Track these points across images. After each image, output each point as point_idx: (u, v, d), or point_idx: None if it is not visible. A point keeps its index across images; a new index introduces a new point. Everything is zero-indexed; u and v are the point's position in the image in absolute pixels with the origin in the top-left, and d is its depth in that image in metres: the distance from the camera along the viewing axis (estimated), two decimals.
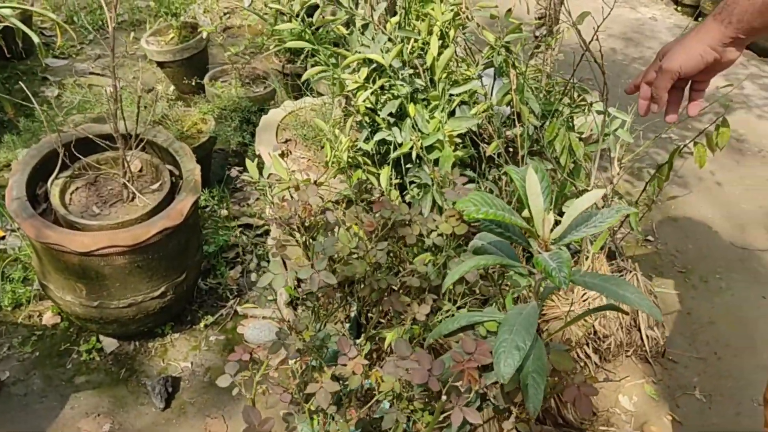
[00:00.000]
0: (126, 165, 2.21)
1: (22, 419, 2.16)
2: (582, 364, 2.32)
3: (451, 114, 2.04)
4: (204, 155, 3.09)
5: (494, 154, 1.96)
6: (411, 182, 1.97)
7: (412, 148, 1.87)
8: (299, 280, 1.70)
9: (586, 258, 2.26)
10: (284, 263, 1.62)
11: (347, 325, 2.03)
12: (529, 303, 1.22)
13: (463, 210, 1.08)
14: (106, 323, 2.26)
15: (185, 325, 2.50)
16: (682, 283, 2.78)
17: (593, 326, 2.31)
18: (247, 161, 1.79)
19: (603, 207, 2.26)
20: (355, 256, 1.67)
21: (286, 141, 2.41)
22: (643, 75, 1.32)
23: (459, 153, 1.95)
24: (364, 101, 1.88)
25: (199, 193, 2.21)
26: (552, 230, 1.17)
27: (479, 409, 1.34)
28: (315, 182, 1.82)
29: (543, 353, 1.20)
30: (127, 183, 2.22)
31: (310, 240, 1.63)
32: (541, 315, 2.19)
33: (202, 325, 2.50)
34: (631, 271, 2.36)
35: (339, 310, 1.94)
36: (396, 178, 2.04)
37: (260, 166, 1.99)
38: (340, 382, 1.51)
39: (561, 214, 1.23)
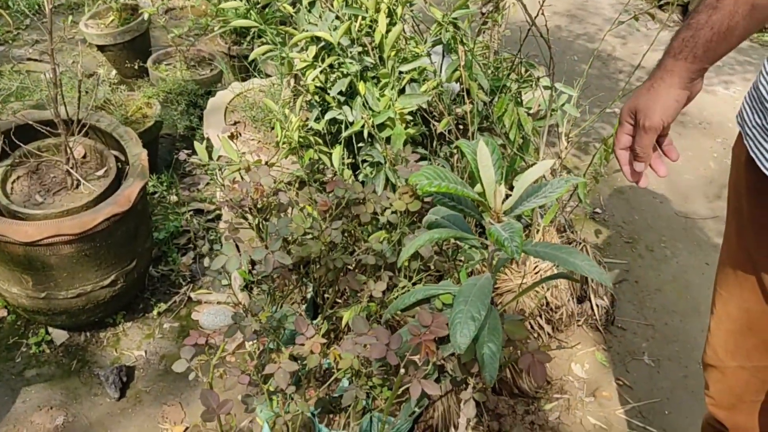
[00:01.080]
0: (69, 151, 2.14)
1: None
2: (535, 335, 2.37)
3: (402, 92, 2.04)
4: (151, 140, 3.02)
5: (445, 131, 1.97)
6: (363, 161, 1.97)
7: (363, 126, 1.86)
8: (253, 263, 1.69)
9: (537, 231, 2.30)
10: (237, 246, 1.60)
11: (303, 306, 2.02)
12: (483, 275, 1.24)
13: (417, 184, 1.08)
14: (54, 314, 2.20)
15: (138, 314, 2.46)
16: (629, 253, 2.85)
17: (545, 298, 2.36)
18: (196, 144, 1.76)
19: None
20: (309, 236, 1.67)
21: (235, 123, 2.38)
22: (616, 144, 1.28)
23: (410, 130, 1.96)
24: (313, 80, 1.86)
25: (146, 179, 2.16)
26: (503, 202, 1.18)
27: (437, 381, 1.36)
28: (266, 163, 1.80)
29: (498, 323, 1.22)
30: (70, 170, 2.16)
31: (263, 222, 1.61)
32: (495, 288, 2.23)
33: (155, 312, 2.46)
34: (580, 243, 2.41)
35: (295, 291, 1.93)
36: (348, 158, 2.03)
37: (209, 150, 1.96)
38: (299, 362, 1.51)
39: (512, 189, 1.24)
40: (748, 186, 1.30)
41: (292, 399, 1.44)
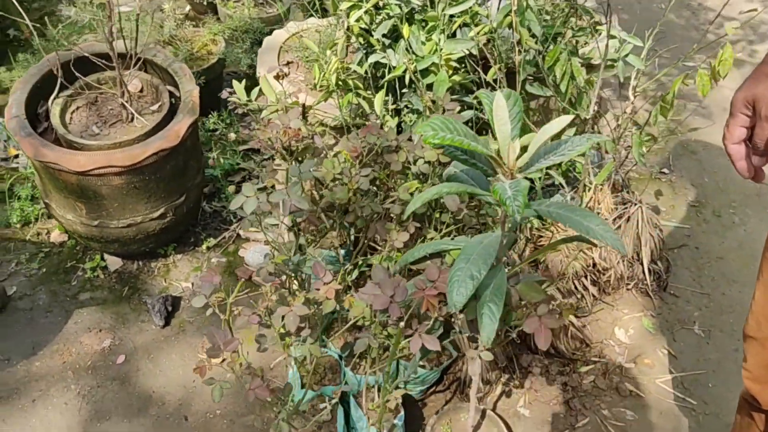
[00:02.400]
0: (123, 85, 2.19)
1: (28, 332, 2.24)
2: (579, 296, 2.30)
3: (452, 37, 1.97)
4: (214, 77, 3.06)
5: (494, 80, 1.89)
6: (405, 107, 1.92)
7: (405, 71, 1.81)
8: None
9: (588, 189, 2.20)
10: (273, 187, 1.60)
11: (342, 252, 2.03)
12: (492, 233, 1.19)
13: (422, 134, 1.04)
14: (107, 242, 2.30)
15: (188, 247, 2.54)
16: (693, 217, 2.70)
17: (593, 259, 2.27)
18: (235, 83, 1.76)
19: (615, 137, 2.18)
20: (339, 182, 1.66)
21: (288, 63, 2.36)
22: (729, 138, 1.14)
23: (456, 78, 1.89)
24: (357, 21, 1.82)
25: (196, 115, 2.19)
26: (518, 159, 1.13)
27: (443, 336, 1.34)
28: (304, 105, 1.79)
29: (503, 283, 1.18)
30: (125, 103, 2.22)
31: (295, 164, 1.61)
32: (536, 244, 2.17)
33: (204, 247, 2.53)
34: (635, 204, 2.30)
35: (329, 235, 1.93)
36: (393, 104, 1.99)
37: (248, 89, 1.95)
38: (316, 306, 1.52)
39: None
40: None
41: (305, 342, 1.46)
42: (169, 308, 2.30)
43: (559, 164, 2.27)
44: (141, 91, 2.37)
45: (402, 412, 1.87)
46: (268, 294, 1.39)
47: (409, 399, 2.07)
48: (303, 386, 1.93)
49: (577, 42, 1.86)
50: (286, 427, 1.40)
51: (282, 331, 1.40)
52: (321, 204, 1.62)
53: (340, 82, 1.85)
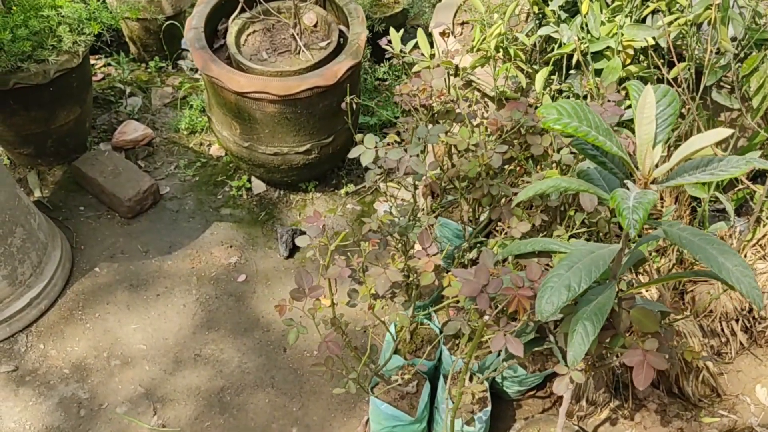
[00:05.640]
0: (297, 17, 2.22)
1: (169, 232, 2.39)
2: (723, 339, 2.04)
3: (640, 22, 1.76)
4: (396, 26, 3.01)
5: (675, 79, 1.67)
6: (568, 90, 1.77)
7: (575, 50, 1.65)
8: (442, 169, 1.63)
9: (764, 225, 1.91)
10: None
11: (470, 229, 1.93)
12: (610, 245, 1.05)
13: (543, 116, 0.92)
14: (254, 165, 2.38)
15: (328, 188, 2.56)
16: None
17: (749, 303, 1.99)
18: (392, 30, 1.70)
19: None
20: (473, 154, 1.56)
21: (463, 23, 2.26)
22: None
23: (632, 68, 1.69)
24: None
25: (358, 59, 2.17)
26: (656, 168, 0.97)
27: (535, 342, 1.22)
28: (456, 67, 1.69)
29: (609, 303, 1.03)
30: (295, 35, 2.24)
31: (426, 124, 1.53)
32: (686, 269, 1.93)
33: (343, 191, 2.54)
34: None
35: (463, 209, 1.84)
36: (557, 84, 1.84)
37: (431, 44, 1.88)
38: (415, 275, 1.46)
39: None
40: None
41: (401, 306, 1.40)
42: (296, 242, 2.34)
43: (737, 190, 2.00)
44: (315, 25, 2.39)
45: (489, 407, 1.77)
46: (365, 250, 1.34)
47: (504, 397, 1.96)
48: (396, 352, 1.88)
49: None
50: (353, 386, 1.36)
51: (373, 291, 1.35)
52: (448, 173, 1.54)
53: (501, 50, 1.72)
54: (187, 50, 3.00)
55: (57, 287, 2.19)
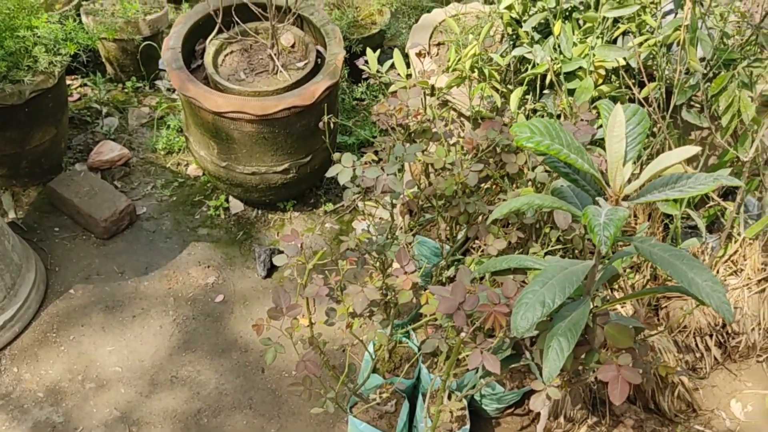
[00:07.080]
0: (275, 37, 2.23)
1: (145, 252, 2.37)
2: (698, 354, 2.06)
3: (614, 43, 1.80)
4: (373, 47, 3.04)
5: (646, 99, 1.70)
6: (541, 109, 1.79)
7: (548, 70, 1.68)
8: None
9: (735, 241, 1.95)
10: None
11: (447, 247, 1.95)
12: (583, 261, 1.06)
13: (516, 135, 0.94)
14: (232, 185, 2.38)
15: (307, 207, 2.57)
16: None
17: (722, 318, 2.02)
18: (369, 50, 1.72)
19: None
20: (449, 172, 1.57)
21: (439, 44, 2.29)
22: None
23: (604, 88, 1.73)
24: (508, 8, 1.71)
25: (336, 79, 2.19)
26: (627, 184, 0.99)
27: (512, 359, 1.23)
28: (432, 87, 1.71)
29: (583, 319, 1.05)
30: (273, 55, 2.26)
31: (403, 143, 1.54)
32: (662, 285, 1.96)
33: (322, 210, 2.55)
34: None
35: (440, 227, 1.86)
36: (530, 104, 1.86)
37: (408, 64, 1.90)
38: (393, 294, 1.46)
39: None
40: None
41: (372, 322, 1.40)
42: (273, 261, 2.34)
43: (708, 207, 2.04)
44: (293, 46, 2.41)
45: (467, 425, 1.77)
46: (343, 269, 1.34)
47: (483, 415, 1.96)
48: (375, 371, 1.88)
49: (752, 74, 1.62)
50: (332, 406, 1.36)
51: (351, 310, 1.36)
52: (425, 192, 1.55)
53: (476, 70, 1.75)
54: (165, 70, 3.00)
55: (31, 309, 2.16)
